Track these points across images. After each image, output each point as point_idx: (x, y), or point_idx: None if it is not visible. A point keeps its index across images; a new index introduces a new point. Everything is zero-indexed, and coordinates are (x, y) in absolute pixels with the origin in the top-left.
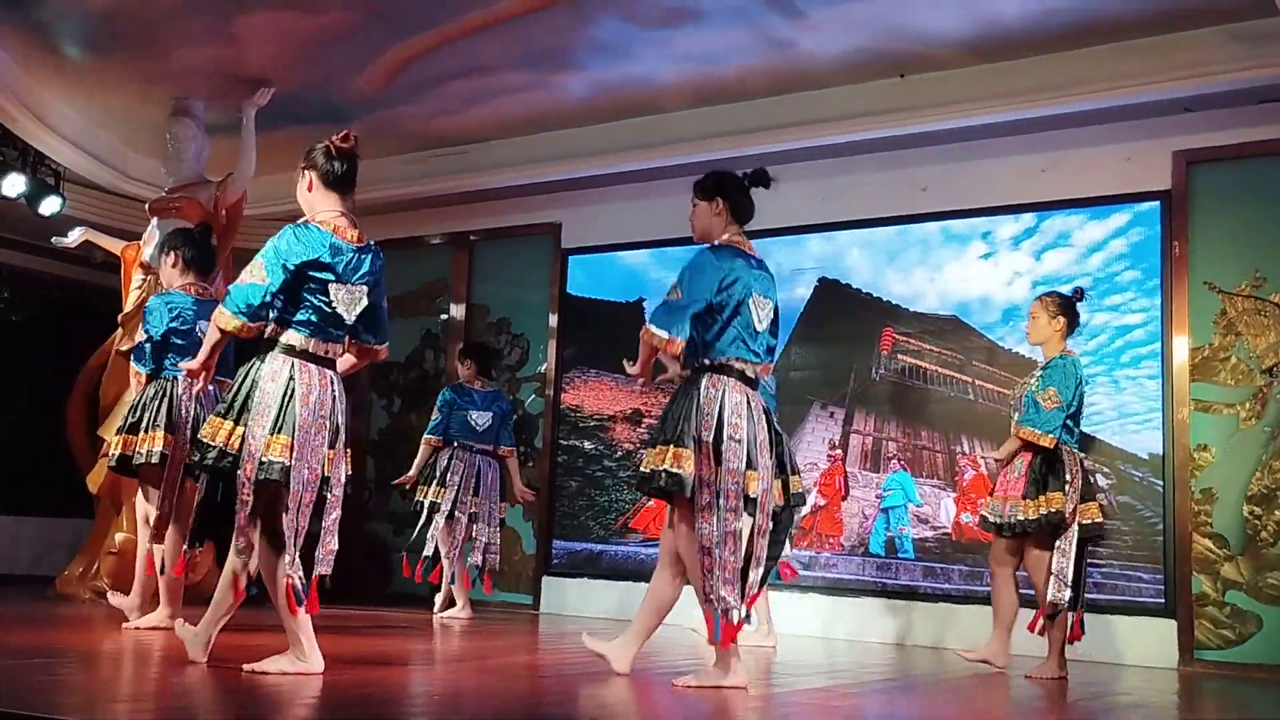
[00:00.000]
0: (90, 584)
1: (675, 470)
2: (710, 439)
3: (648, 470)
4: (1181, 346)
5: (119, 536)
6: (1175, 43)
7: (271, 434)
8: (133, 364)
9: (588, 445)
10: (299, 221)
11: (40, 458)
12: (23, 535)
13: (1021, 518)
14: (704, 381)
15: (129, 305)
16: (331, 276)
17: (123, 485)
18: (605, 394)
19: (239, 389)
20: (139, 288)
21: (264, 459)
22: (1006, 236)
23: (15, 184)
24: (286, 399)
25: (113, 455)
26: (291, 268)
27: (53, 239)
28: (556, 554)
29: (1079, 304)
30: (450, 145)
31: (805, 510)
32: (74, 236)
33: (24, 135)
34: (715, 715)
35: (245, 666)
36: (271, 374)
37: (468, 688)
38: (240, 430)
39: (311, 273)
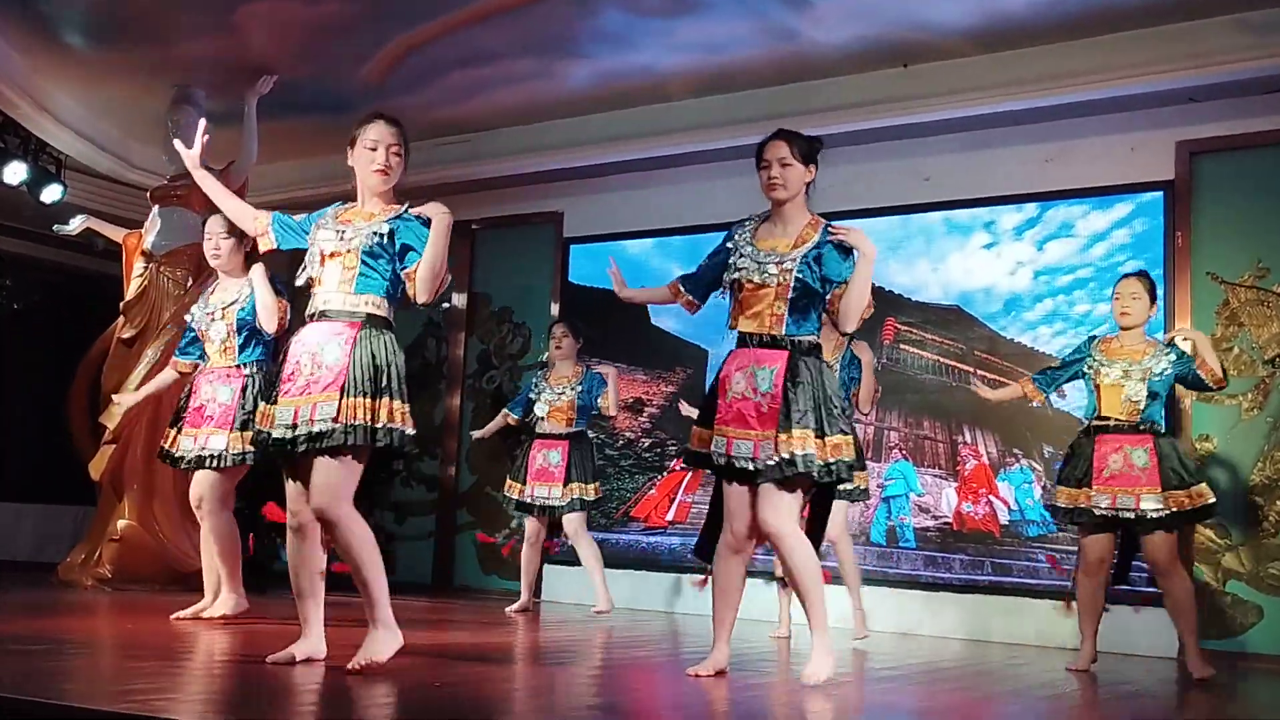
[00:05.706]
0: (92, 571)
1: (849, 460)
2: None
3: (826, 461)
4: None
5: (121, 523)
6: (1179, 33)
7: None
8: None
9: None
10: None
11: (42, 445)
12: (24, 523)
13: (1172, 509)
14: (824, 364)
15: (130, 293)
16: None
17: (124, 473)
18: None
19: (387, 368)
20: (140, 275)
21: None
22: (1009, 226)
23: (17, 171)
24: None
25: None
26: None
27: (54, 227)
28: (557, 542)
29: None
30: (452, 134)
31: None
32: (75, 224)
33: (26, 123)
34: (715, 704)
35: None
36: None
37: (469, 676)
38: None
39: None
